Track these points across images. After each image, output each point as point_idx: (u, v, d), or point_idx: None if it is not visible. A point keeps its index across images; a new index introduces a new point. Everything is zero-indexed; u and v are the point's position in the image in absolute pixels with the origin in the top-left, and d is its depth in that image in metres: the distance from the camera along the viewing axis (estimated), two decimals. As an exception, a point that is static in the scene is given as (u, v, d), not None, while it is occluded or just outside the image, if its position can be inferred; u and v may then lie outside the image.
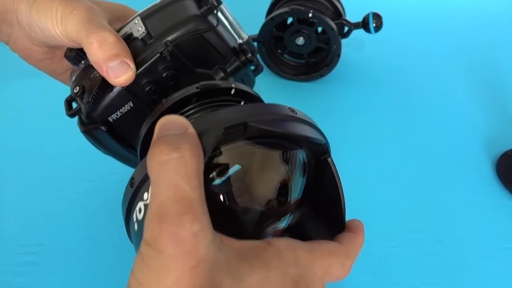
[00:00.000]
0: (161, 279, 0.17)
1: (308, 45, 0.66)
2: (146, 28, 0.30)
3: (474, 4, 0.90)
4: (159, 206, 0.18)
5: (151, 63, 0.29)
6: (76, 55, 0.31)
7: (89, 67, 0.31)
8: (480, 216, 0.50)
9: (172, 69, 0.30)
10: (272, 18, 0.63)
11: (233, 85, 0.28)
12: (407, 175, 0.54)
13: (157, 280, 0.17)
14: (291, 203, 0.27)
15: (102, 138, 0.33)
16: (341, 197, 0.26)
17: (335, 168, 0.27)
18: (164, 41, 0.29)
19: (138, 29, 0.30)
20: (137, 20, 0.31)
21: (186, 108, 0.28)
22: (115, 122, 0.32)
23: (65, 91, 0.35)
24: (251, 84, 0.39)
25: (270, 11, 0.69)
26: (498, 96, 0.67)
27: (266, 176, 0.26)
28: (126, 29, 0.31)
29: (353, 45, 0.74)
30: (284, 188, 0.26)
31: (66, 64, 0.34)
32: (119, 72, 0.28)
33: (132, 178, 0.23)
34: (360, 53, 0.75)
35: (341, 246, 0.24)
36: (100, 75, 0.29)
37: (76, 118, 0.34)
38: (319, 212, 0.28)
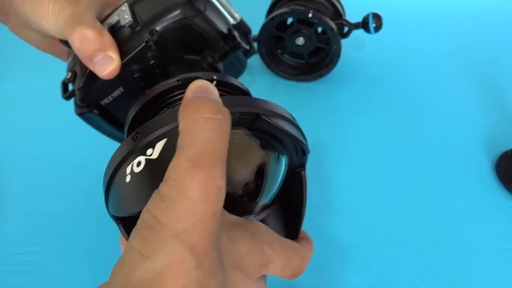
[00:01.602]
0: (181, 220, 0.18)
1: (308, 45, 0.66)
2: (133, 16, 0.30)
3: (474, 4, 0.90)
4: (195, 154, 0.19)
5: (137, 51, 0.30)
6: None
7: None
8: (480, 216, 0.50)
9: (158, 58, 0.30)
10: (272, 18, 0.63)
11: (214, 77, 0.28)
12: (407, 175, 0.54)
13: (176, 221, 0.18)
14: (258, 205, 0.28)
15: (95, 121, 0.34)
16: (303, 212, 0.28)
17: (306, 183, 0.28)
18: (150, 29, 0.29)
19: (125, 16, 0.30)
20: (125, 7, 0.30)
21: (170, 95, 0.29)
22: (107, 106, 0.32)
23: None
24: (242, 67, 0.38)
25: (270, 11, 0.69)
26: (498, 96, 0.67)
27: (245, 166, 0.27)
28: (114, 17, 0.30)
29: (353, 45, 0.74)
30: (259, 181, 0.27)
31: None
32: (104, 66, 0.28)
33: (136, 133, 0.23)
34: (360, 53, 0.75)
35: (301, 247, 0.26)
36: None
37: (73, 120, 0.34)
38: (280, 215, 0.30)
